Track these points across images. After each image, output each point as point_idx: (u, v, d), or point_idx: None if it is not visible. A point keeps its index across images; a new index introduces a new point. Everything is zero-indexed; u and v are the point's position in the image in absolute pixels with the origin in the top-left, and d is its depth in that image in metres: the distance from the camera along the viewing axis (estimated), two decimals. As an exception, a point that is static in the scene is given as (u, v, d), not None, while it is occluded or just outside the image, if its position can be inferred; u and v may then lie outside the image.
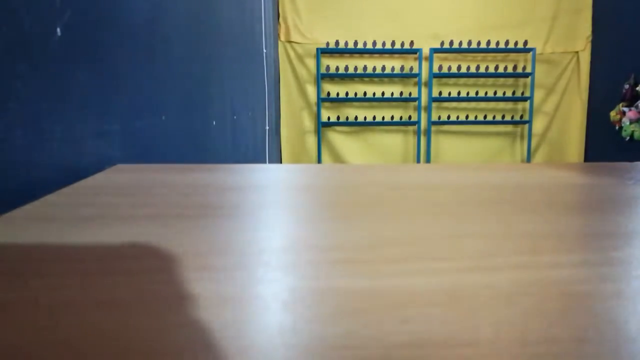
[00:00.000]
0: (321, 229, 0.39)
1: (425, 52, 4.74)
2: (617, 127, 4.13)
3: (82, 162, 0.70)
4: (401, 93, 4.83)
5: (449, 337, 0.21)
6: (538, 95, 4.86)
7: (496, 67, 4.73)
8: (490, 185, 0.60)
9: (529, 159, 4.85)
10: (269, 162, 3.47)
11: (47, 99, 0.61)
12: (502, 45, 4.72)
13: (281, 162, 4.70)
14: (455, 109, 4.91)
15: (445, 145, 4.98)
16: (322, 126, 4.81)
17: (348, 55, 4.79)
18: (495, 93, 4.79)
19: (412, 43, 4.72)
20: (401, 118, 4.88)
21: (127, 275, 0.28)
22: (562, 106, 4.89)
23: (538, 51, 4.75)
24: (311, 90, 4.79)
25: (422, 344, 0.21)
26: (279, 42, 4.64)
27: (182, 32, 1.30)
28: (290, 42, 4.69)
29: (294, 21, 4.65)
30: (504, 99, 4.80)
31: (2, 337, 0.21)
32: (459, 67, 4.82)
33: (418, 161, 4.89)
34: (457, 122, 4.85)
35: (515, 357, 0.20)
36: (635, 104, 3.92)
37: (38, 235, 0.36)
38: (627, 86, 4.01)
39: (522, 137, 4.98)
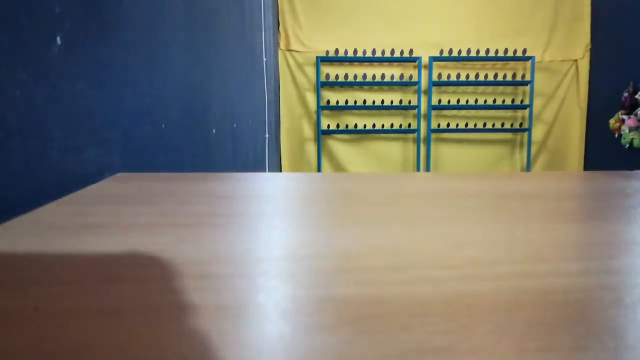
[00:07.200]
0: (321, 238, 0.39)
1: (425, 60, 4.76)
2: (616, 135, 4.15)
3: (83, 171, 0.70)
4: (401, 101, 4.85)
5: (449, 346, 0.21)
6: (537, 103, 4.87)
7: (495, 75, 4.74)
8: (489, 193, 0.60)
9: (528, 166, 4.86)
10: (269, 170, 3.47)
11: (47, 107, 0.61)
12: (501, 54, 4.74)
13: (281, 170, 4.71)
14: (454, 116, 4.92)
15: (445, 153, 4.98)
16: (321, 134, 4.82)
17: (348, 63, 4.81)
18: (494, 101, 4.80)
19: (411, 51, 4.74)
20: (401, 126, 4.89)
21: (127, 283, 0.28)
22: (562, 114, 4.91)
23: (537, 59, 4.77)
24: (311, 98, 4.80)
25: (422, 352, 0.21)
26: (279, 51, 4.66)
27: (182, 40, 1.30)
28: (290, 50, 4.71)
29: (293, 30, 4.68)
30: (503, 106, 4.81)
31: (1, 346, 0.21)
32: (458, 75, 4.84)
33: (418, 169, 4.89)
34: (457, 130, 4.86)
35: (515, 366, 0.20)
36: (635, 112, 3.93)
37: (39, 243, 0.36)
38: (626, 94, 4.02)
39: (521, 144, 4.98)
